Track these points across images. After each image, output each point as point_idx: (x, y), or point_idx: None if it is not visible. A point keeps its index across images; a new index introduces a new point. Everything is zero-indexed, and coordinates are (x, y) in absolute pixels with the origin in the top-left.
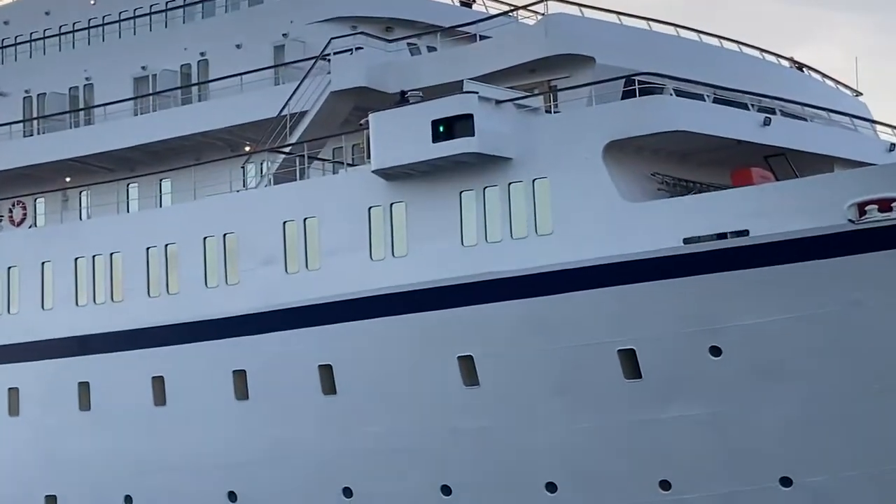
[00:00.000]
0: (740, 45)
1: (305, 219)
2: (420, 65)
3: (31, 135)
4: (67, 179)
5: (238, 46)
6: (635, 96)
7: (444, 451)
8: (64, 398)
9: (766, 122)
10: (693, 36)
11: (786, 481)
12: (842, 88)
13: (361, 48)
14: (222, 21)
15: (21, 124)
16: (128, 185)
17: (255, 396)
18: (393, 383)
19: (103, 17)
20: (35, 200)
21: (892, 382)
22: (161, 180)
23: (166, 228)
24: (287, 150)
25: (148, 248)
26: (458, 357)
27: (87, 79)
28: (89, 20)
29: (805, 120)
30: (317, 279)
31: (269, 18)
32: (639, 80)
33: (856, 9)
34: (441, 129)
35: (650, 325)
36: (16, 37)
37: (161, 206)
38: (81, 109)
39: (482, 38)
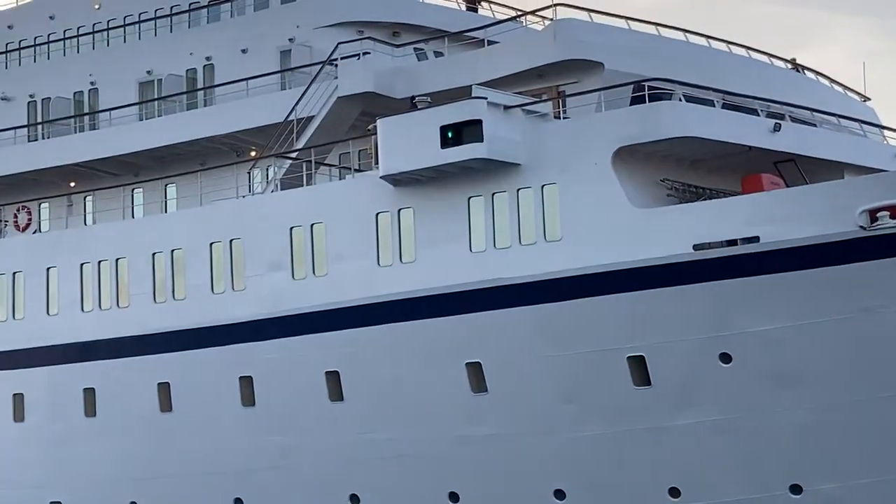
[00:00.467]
0: (749, 51)
1: (312, 224)
2: (428, 70)
3: (36, 139)
4: (72, 184)
5: (244, 51)
6: (644, 102)
7: (452, 458)
8: (69, 404)
9: (777, 128)
10: (701, 41)
11: (796, 489)
12: (850, 94)
13: (369, 53)
14: (228, 26)
15: (26, 129)
16: (133, 190)
17: (261, 403)
18: (400, 390)
19: (108, 22)
20: (40, 206)
21: None
22: (166, 185)
23: (173, 234)
24: (294, 155)
25: (154, 254)
26: (467, 364)
27: (91, 83)
28: (94, 25)
29: (814, 126)
30: (324, 285)
31: (275, 23)
32: (648, 86)
33: (857, 12)
34: (450, 134)
35: (660, 332)
36: (20, 41)
37: (166, 211)
38: (86, 114)
39: (490, 43)
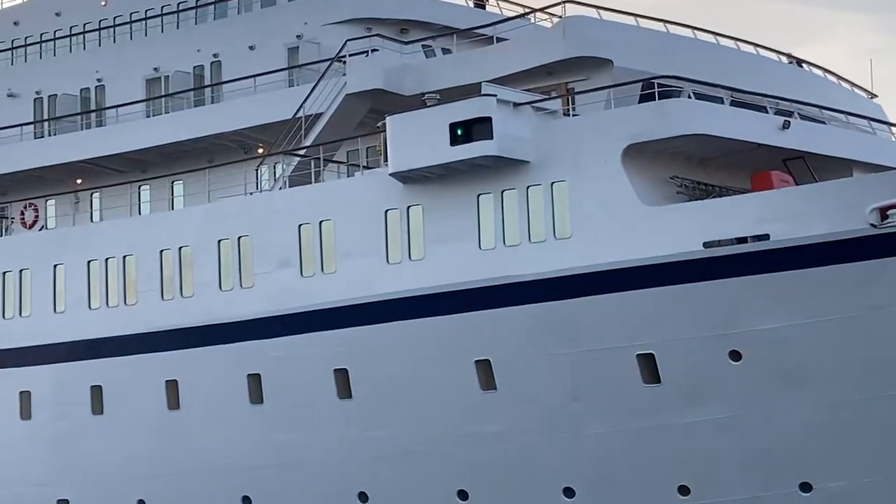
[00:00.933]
0: (757, 48)
1: (321, 222)
2: (436, 67)
3: (43, 136)
4: (79, 181)
5: (251, 48)
6: (653, 99)
7: (461, 455)
8: (76, 402)
9: (786, 126)
10: (710, 38)
11: (805, 486)
12: (857, 91)
13: (377, 50)
14: (235, 22)
15: (32, 126)
16: (140, 187)
17: (269, 400)
18: (409, 387)
19: (114, 18)
20: (46, 202)
21: None
22: (173, 182)
23: (180, 231)
24: (302, 152)
25: (161, 251)
26: (476, 361)
27: (98, 80)
28: (100, 21)
29: (823, 123)
30: (332, 282)
31: (283, 20)
32: (657, 83)
33: (858, 9)
34: (459, 131)
35: (669, 329)
36: (26, 38)
37: (173, 208)
38: (93, 111)
39: (499, 40)
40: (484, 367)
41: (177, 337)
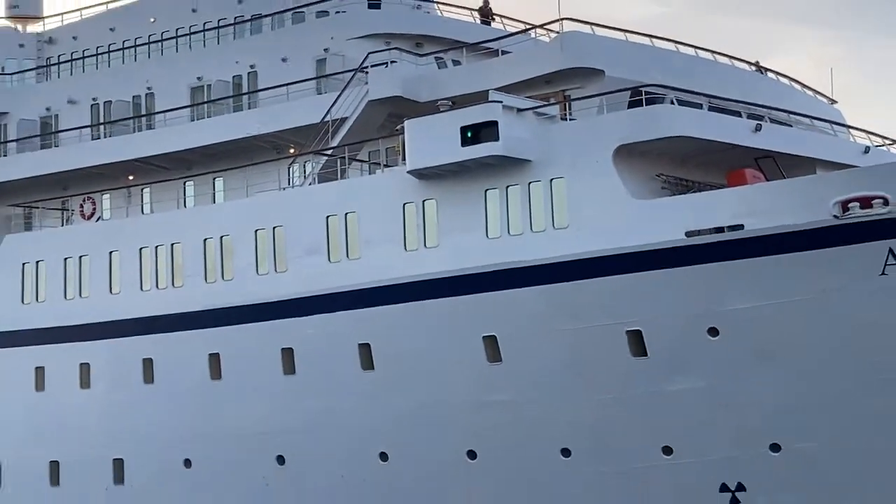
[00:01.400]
0: (732, 59)
1: (346, 214)
2: (449, 77)
3: (99, 138)
4: (131, 178)
5: (284, 60)
6: (641, 105)
7: (470, 420)
8: (130, 373)
9: (758, 129)
10: (690, 51)
11: (775, 447)
12: (819, 97)
13: (396, 62)
14: (269, 37)
15: (90, 129)
16: (185, 183)
17: (300, 372)
18: (424, 360)
19: (162, 33)
20: (102, 196)
21: (870, 361)
22: (215, 179)
23: (222, 222)
24: (329, 152)
25: (205, 240)
26: (484, 337)
27: (148, 88)
28: (150, 36)
29: (790, 126)
30: (356, 267)
31: (312, 35)
32: (644, 91)
33: (819, 24)
34: (469, 134)
35: (655, 308)
36: (84, 51)
37: (215, 202)
38: (143, 115)
39: (503, 53)
40: (491, 342)
41: (219, 315)
